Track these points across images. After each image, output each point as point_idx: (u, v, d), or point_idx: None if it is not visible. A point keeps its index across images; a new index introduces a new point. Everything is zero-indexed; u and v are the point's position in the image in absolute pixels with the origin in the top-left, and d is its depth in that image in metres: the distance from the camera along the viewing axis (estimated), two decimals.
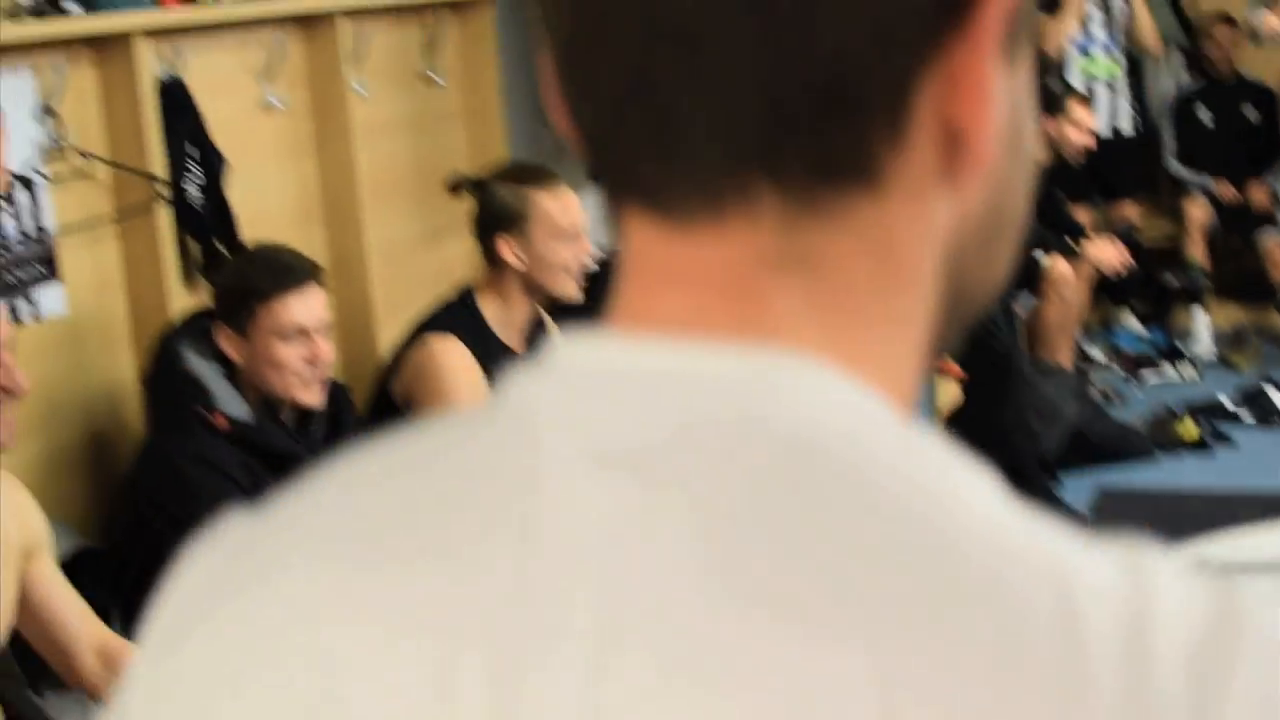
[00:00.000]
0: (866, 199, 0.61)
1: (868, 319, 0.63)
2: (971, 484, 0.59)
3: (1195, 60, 7.58)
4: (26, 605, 2.82)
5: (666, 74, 0.60)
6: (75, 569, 2.99)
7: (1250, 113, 7.33)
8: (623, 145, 0.63)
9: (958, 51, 0.61)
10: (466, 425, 0.66)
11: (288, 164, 4.38)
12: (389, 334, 4.30)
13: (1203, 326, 7.11)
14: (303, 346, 3.32)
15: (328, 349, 3.39)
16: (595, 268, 3.99)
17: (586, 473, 0.59)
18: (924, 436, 0.60)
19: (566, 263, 3.90)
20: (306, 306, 3.34)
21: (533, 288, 3.95)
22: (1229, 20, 7.33)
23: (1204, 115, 7.34)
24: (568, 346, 0.64)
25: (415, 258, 4.81)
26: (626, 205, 0.64)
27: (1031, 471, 5.22)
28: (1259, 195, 7.17)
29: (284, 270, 3.35)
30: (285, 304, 3.31)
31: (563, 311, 4.14)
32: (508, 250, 3.93)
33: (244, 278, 3.35)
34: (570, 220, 3.89)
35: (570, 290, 3.92)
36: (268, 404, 3.37)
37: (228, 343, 3.35)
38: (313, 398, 3.38)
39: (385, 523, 0.63)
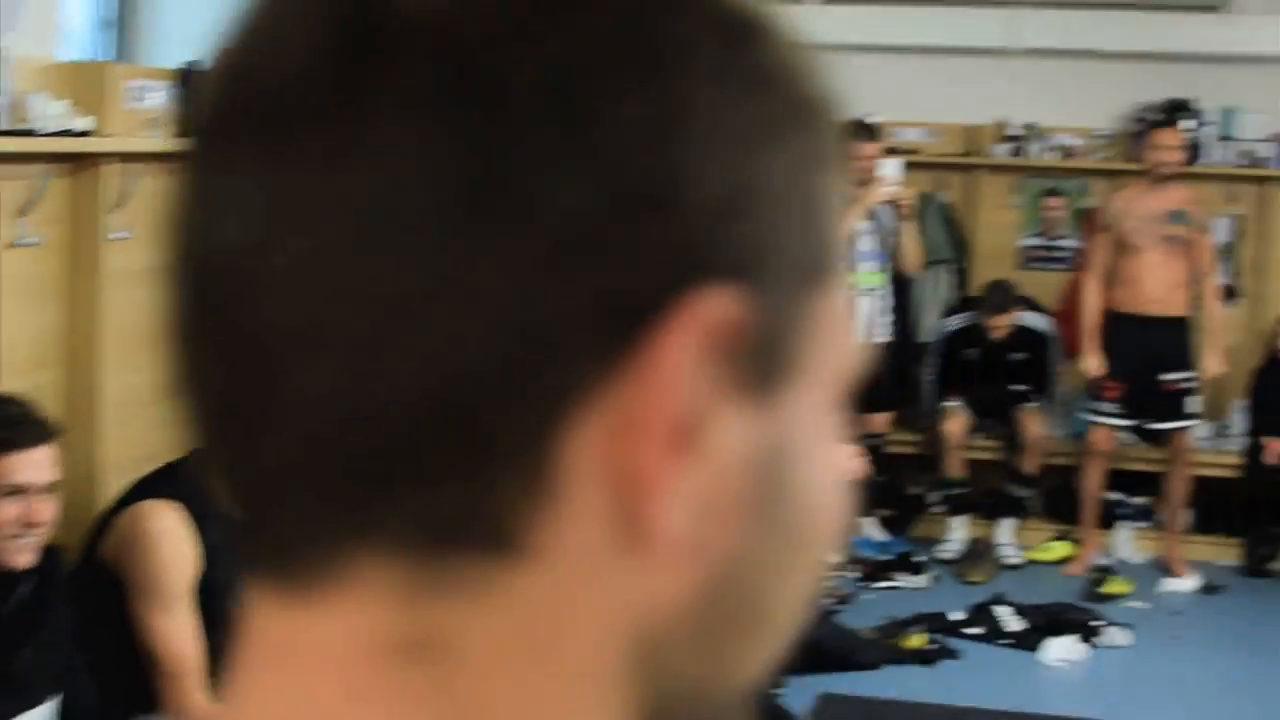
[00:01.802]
0: (504, 570, 0.47)
1: None
2: None
3: (963, 276, 7.82)
4: None
5: (250, 405, 0.49)
6: None
7: (1018, 355, 7.31)
8: (229, 479, 0.51)
9: (628, 388, 0.47)
10: None
11: (31, 305, 4.30)
12: (114, 491, 4.21)
13: (956, 538, 7.28)
14: (19, 506, 3.19)
15: (49, 510, 3.25)
16: None
17: None
18: None
19: None
20: (32, 466, 3.21)
21: None
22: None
23: (970, 354, 7.35)
24: None
25: (154, 412, 4.73)
26: (248, 564, 0.51)
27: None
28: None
29: (14, 427, 3.23)
30: (10, 463, 3.19)
31: None
32: None
33: None
34: None
35: None
36: None
37: None
38: (23, 560, 3.24)
39: None
